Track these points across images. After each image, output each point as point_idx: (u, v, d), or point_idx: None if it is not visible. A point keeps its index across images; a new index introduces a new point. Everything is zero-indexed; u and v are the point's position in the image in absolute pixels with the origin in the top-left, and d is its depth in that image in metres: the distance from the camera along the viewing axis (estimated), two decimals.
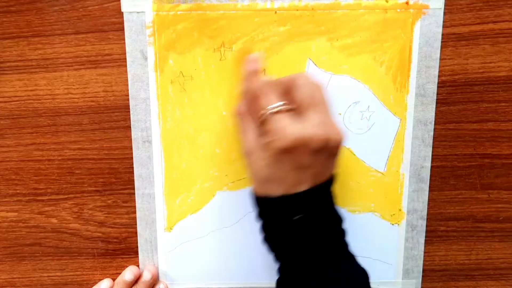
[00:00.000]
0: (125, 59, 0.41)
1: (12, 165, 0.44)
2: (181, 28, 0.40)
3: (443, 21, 0.40)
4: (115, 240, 0.45)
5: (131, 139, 0.43)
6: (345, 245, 0.37)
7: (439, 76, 0.41)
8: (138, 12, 0.40)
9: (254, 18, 0.40)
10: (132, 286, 0.44)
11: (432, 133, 0.43)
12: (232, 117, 0.42)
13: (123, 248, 0.46)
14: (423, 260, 0.45)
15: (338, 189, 0.38)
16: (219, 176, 0.43)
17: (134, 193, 0.44)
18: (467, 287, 0.47)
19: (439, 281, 0.46)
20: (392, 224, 0.44)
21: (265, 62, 0.41)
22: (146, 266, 0.45)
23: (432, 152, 0.43)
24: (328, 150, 0.34)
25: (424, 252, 0.45)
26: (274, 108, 0.34)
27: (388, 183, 0.44)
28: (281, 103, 0.34)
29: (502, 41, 0.41)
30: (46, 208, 0.45)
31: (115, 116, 0.43)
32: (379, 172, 0.43)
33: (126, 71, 0.41)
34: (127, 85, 0.42)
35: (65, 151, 0.43)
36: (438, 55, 0.41)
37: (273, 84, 0.36)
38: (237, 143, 0.43)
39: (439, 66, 0.41)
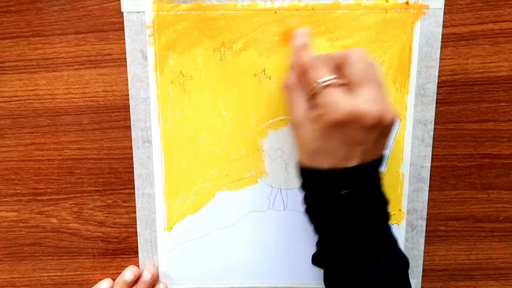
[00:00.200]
0: (125, 59, 0.41)
1: (12, 165, 0.44)
2: (181, 28, 0.40)
3: (443, 21, 0.40)
4: (115, 240, 0.45)
5: (131, 139, 0.43)
6: (388, 228, 0.37)
7: (439, 76, 0.41)
8: (138, 12, 0.40)
9: (254, 18, 0.40)
10: (132, 286, 0.44)
11: (432, 133, 0.43)
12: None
13: (123, 248, 0.46)
14: (423, 260, 0.45)
15: None
16: (219, 176, 0.43)
17: (134, 193, 0.44)
18: (467, 287, 0.47)
19: (439, 281, 0.46)
20: (392, 224, 0.44)
21: (265, 62, 0.41)
22: (146, 266, 0.45)
23: (432, 152, 0.43)
24: (380, 128, 0.33)
25: (424, 252, 0.45)
26: (325, 81, 0.33)
27: (388, 183, 0.43)
28: (332, 76, 0.33)
29: (502, 41, 0.41)
30: (46, 208, 0.45)
31: (115, 116, 0.43)
32: None
33: (126, 71, 0.41)
34: (127, 85, 0.42)
35: (65, 151, 0.43)
36: (438, 55, 0.41)
37: (324, 58, 0.35)
38: (237, 143, 0.43)
39: (439, 66, 0.41)
